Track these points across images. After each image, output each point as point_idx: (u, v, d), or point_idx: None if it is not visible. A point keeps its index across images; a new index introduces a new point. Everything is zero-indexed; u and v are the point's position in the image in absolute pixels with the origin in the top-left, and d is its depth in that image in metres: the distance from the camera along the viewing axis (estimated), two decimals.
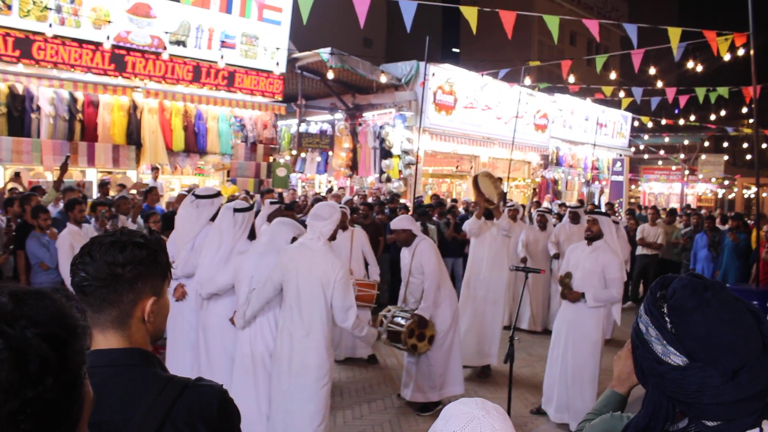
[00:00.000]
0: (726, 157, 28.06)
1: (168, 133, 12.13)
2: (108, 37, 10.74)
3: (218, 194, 4.88)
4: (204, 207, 4.68)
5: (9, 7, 9.74)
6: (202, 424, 1.26)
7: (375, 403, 5.43)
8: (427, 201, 12.39)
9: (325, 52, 12.94)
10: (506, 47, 20.87)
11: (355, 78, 14.18)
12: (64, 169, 7.19)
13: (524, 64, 13.61)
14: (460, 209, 10.91)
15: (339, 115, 15.67)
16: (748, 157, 33.12)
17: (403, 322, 5.01)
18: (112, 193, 9.21)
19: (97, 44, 10.69)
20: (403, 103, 14.40)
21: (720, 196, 31.17)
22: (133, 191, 9.65)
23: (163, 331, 1.48)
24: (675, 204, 24.33)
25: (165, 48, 11.49)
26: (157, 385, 1.27)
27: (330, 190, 14.01)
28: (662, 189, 27.76)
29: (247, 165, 13.49)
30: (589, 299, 4.84)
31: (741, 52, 9.23)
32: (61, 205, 7.10)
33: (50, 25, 10.14)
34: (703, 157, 26.50)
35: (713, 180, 27.60)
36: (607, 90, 13.88)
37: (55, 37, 10.25)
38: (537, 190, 18.68)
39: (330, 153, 15.52)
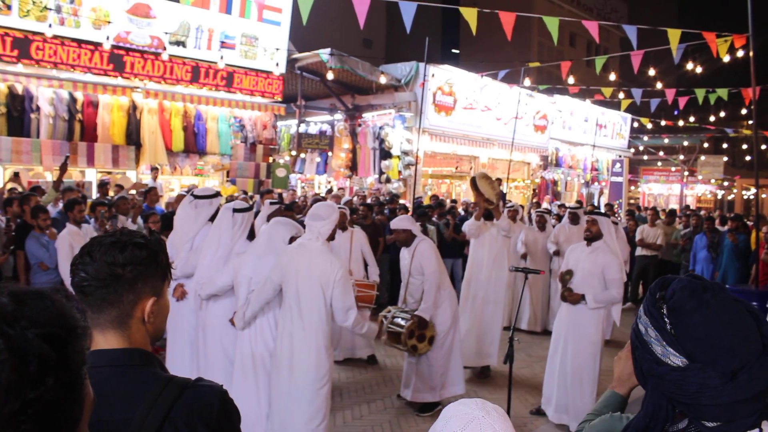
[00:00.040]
0: (725, 159, 28.12)
1: (167, 133, 12.13)
2: (108, 38, 10.74)
3: (217, 194, 4.88)
4: (202, 207, 4.68)
5: (9, 7, 9.74)
6: (202, 424, 1.26)
7: (375, 404, 5.43)
8: (426, 202, 12.39)
9: (324, 53, 12.94)
10: (506, 48, 20.89)
11: (354, 79, 14.18)
12: (63, 169, 7.19)
13: (524, 65, 13.62)
14: (460, 210, 10.92)
15: (338, 116, 15.67)
16: (748, 158, 33.15)
17: (403, 323, 5.01)
18: (110, 193, 9.21)
19: (96, 44, 10.69)
20: (402, 104, 14.41)
21: (719, 197, 31.21)
22: (133, 191, 9.64)
23: (163, 332, 1.48)
24: (674, 205, 24.34)
25: (165, 48, 11.49)
26: (156, 385, 1.27)
27: (329, 190, 14.00)
28: (662, 190, 27.78)
29: (247, 165, 13.49)
30: (590, 301, 4.84)
31: (740, 53, 9.23)
32: (61, 205, 7.10)
33: (50, 26, 10.13)
34: (703, 158, 26.54)
35: (713, 181, 27.64)
36: (607, 91, 13.89)
37: (55, 37, 10.25)
38: (536, 191, 18.69)
39: (329, 154, 15.52)
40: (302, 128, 15.63)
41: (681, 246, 10.25)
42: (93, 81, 10.89)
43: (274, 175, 13.75)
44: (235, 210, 4.35)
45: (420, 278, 5.10)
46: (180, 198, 7.34)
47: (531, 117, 17.68)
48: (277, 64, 13.29)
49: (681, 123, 21.40)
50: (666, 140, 26.79)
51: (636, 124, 23.20)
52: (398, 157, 14.28)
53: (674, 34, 8.35)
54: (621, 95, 15.47)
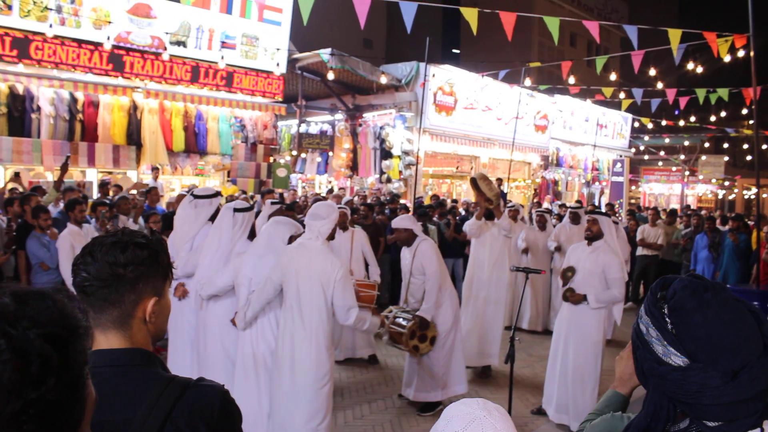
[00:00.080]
0: (726, 158, 28.09)
1: (168, 133, 12.14)
2: (108, 38, 10.75)
3: (216, 194, 4.89)
4: (202, 207, 4.69)
5: (9, 8, 9.75)
6: (203, 424, 1.26)
7: (376, 404, 5.43)
8: (427, 201, 12.39)
9: (325, 53, 12.95)
10: (506, 48, 20.87)
11: (355, 79, 14.18)
12: (64, 169, 7.19)
13: (524, 65, 13.62)
14: (461, 210, 10.92)
15: (339, 116, 15.68)
16: (749, 158, 33.15)
17: (404, 323, 5.00)
18: (110, 193, 9.21)
19: (96, 44, 10.70)
20: (403, 104, 14.41)
21: (720, 197, 31.18)
22: (134, 191, 9.65)
23: (164, 332, 1.48)
24: (675, 205, 24.33)
25: (165, 48, 11.50)
26: (158, 385, 1.27)
27: (330, 190, 14.00)
28: (662, 190, 27.77)
29: (248, 165, 13.50)
30: (592, 301, 4.84)
31: (741, 53, 9.23)
32: (62, 205, 7.10)
33: (50, 26, 10.14)
34: (704, 158, 26.52)
35: (713, 181, 27.62)
36: (608, 91, 13.89)
37: (56, 37, 10.26)
38: (537, 190, 18.68)
39: (330, 153, 15.53)
40: (303, 128, 15.64)
41: (682, 246, 10.25)
42: (94, 81, 10.90)
43: (275, 175, 13.75)
44: (236, 210, 4.35)
45: (421, 278, 5.10)
46: (181, 198, 7.34)
47: (532, 117, 17.67)
48: (278, 64, 13.30)
49: (682, 123, 21.39)
50: (667, 140, 26.78)
51: (637, 124, 23.20)
52: (399, 157, 14.28)
53: (675, 34, 8.35)
54: (622, 95, 15.47)
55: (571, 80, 13.72)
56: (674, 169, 27.21)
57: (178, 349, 4.60)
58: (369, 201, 10.57)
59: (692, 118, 21.68)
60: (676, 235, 10.49)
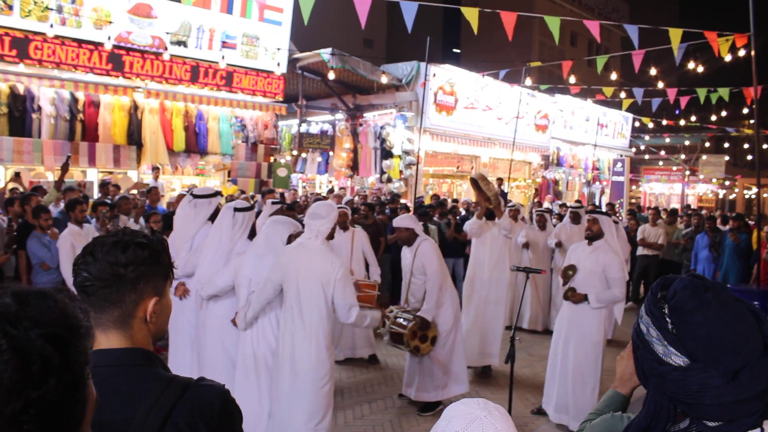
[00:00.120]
0: (727, 158, 28.06)
1: (169, 133, 12.15)
2: (109, 38, 10.75)
3: (216, 194, 4.90)
4: (201, 207, 4.70)
5: (10, 8, 9.76)
6: (204, 424, 1.26)
7: (376, 403, 5.43)
8: (427, 201, 12.39)
9: (325, 53, 12.95)
10: (507, 48, 20.87)
11: (355, 78, 14.18)
12: (65, 169, 7.20)
13: (525, 64, 13.62)
14: (461, 209, 10.91)
15: (340, 116, 15.68)
16: (749, 157, 33.13)
17: (405, 323, 5.00)
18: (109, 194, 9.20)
19: (96, 44, 10.70)
20: (403, 104, 14.41)
21: (721, 196, 31.17)
22: (134, 191, 9.65)
23: (165, 331, 1.48)
24: (676, 204, 24.32)
25: (166, 48, 11.50)
26: (158, 385, 1.27)
27: (331, 190, 14.01)
28: (663, 189, 27.76)
29: (248, 165, 13.50)
30: (592, 300, 4.84)
31: (742, 52, 9.22)
32: (62, 205, 7.10)
33: (51, 26, 10.15)
34: (704, 157, 26.51)
35: (714, 180, 27.60)
36: (608, 91, 13.89)
37: (56, 37, 10.27)
38: (538, 190, 18.68)
39: (331, 153, 15.53)
40: (303, 128, 15.64)
41: (682, 245, 10.24)
42: (94, 81, 10.91)
43: (276, 174, 13.75)
44: (236, 209, 4.35)
45: (422, 278, 5.11)
46: (181, 198, 7.34)
47: (532, 116, 17.67)
48: (279, 64, 13.30)
49: (682, 122, 21.38)
50: (667, 140, 26.77)
51: (637, 124, 23.20)
52: (399, 156, 14.28)
53: (675, 34, 8.34)
54: (622, 95, 15.46)
55: (572, 80, 13.72)
56: (675, 168, 27.20)
57: (179, 348, 4.61)
58: (369, 201, 10.57)
59: (693, 118, 21.66)
60: (676, 235, 10.49)
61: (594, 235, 4.98)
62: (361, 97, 15.36)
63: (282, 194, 11.10)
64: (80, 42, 10.56)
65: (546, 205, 14.65)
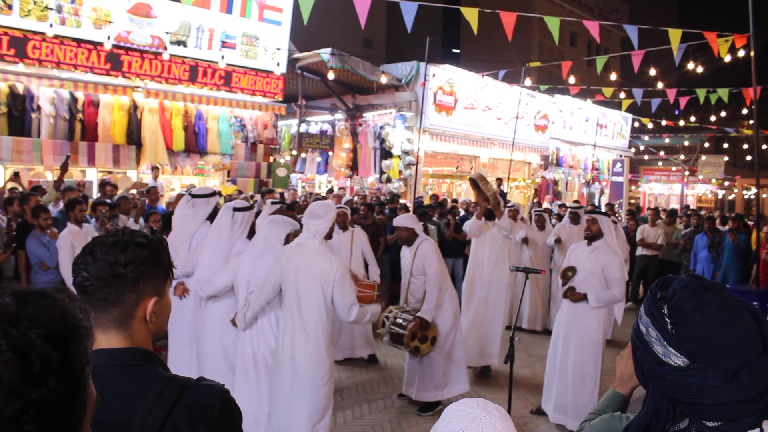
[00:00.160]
0: (726, 158, 28.08)
1: (168, 133, 12.14)
2: (108, 37, 10.74)
3: (214, 193, 4.91)
4: (200, 206, 4.71)
5: (10, 7, 9.75)
6: (204, 423, 1.26)
7: (375, 403, 5.43)
8: (426, 201, 12.39)
9: (325, 53, 12.95)
10: (506, 48, 20.88)
11: (355, 78, 14.18)
12: (64, 168, 7.19)
13: (524, 65, 13.62)
14: (460, 210, 10.91)
15: (339, 116, 15.68)
16: (749, 158, 33.16)
17: (405, 323, 5.00)
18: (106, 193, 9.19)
19: (95, 44, 10.69)
20: (403, 104, 14.41)
21: (720, 197, 31.17)
22: (133, 191, 9.65)
23: (164, 331, 1.48)
24: (675, 205, 24.32)
25: (165, 48, 11.50)
26: (158, 384, 1.27)
27: (330, 190, 14.01)
28: (662, 190, 27.76)
29: (248, 165, 13.50)
30: (592, 300, 4.84)
31: (741, 53, 9.23)
32: (62, 204, 7.10)
33: (51, 25, 10.14)
34: (704, 158, 26.51)
35: (713, 181, 27.61)
36: (608, 91, 13.89)
37: (56, 36, 10.26)
38: (537, 190, 18.69)
39: (330, 153, 15.53)
40: (303, 128, 15.63)
41: (682, 246, 10.25)
42: (94, 81, 10.90)
43: (275, 174, 13.75)
44: (236, 209, 4.36)
45: (422, 278, 5.11)
46: (180, 198, 7.35)
47: (532, 117, 17.67)
48: (278, 64, 13.29)
49: (682, 123, 21.40)
50: (667, 140, 26.77)
51: (637, 124, 23.21)
52: (399, 156, 14.28)
53: (675, 34, 8.35)
54: (622, 95, 15.48)
55: (572, 80, 13.73)
56: (674, 169, 27.21)
57: (178, 348, 4.61)
58: (369, 201, 10.57)
59: (692, 118, 21.70)
60: (675, 235, 10.49)
61: (593, 236, 4.99)
62: (361, 97, 15.36)
63: (282, 194, 11.09)
64: (79, 41, 10.56)
65: (545, 205, 14.66)
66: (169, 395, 1.25)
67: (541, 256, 8.32)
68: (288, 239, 4.07)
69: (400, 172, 14.26)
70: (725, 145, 29.91)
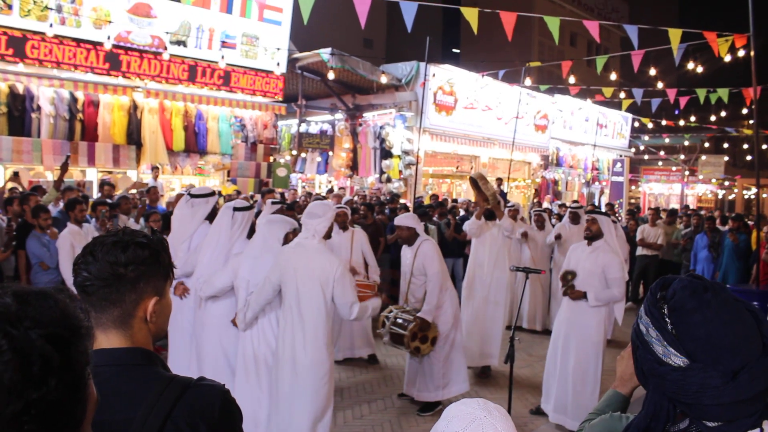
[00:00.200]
0: (726, 158, 28.07)
1: (168, 133, 12.14)
2: (108, 37, 10.74)
3: (213, 193, 4.92)
4: (199, 206, 4.72)
5: (10, 7, 9.75)
6: (204, 423, 1.26)
7: (375, 403, 5.43)
8: (426, 201, 12.39)
9: (325, 53, 12.95)
10: (506, 48, 20.88)
11: (355, 78, 14.18)
12: (64, 168, 7.19)
13: (524, 64, 13.63)
14: (460, 210, 10.91)
15: (339, 116, 15.68)
16: (749, 158, 33.16)
17: (405, 324, 5.00)
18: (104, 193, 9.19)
19: (94, 43, 10.69)
20: (403, 104, 14.41)
21: (720, 196, 31.17)
22: (133, 191, 9.65)
23: (165, 331, 1.48)
24: (675, 205, 24.32)
25: (165, 48, 11.50)
26: (158, 384, 1.27)
27: (330, 190, 14.01)
28: (662, 190, 27.75)
29: (248, 165, 13.50)
30: (591, 298, 4.84)
31: (741, 53, 9.23)
32: (62, 204, 7.10)
33: (51, 25, 10.14)
34: (704, 157, 26.51)
35: (713, 181, 27.61)
36: (608, 91, 13.90)
37: (55, 36, 10.26)
38: (537, 190, 18.69)
39: (330, 153, 15.53)
40: (303, 128, 15.63)
41: (682, 246, 10.25)
42: (94, 80, 10.89)
43: (275, 174, 13.75)
44: (236, 209, 4.36)
45: (422, 278, 5.11)
46: (180, 198, 7.35)
47: (532, 117, 17.67)
48: (278, 64, 13.29)
49: (682, 123, 21.40)
50: (667, 140, 26.77)
51: (637, 124, 23.21)
52: (399, 156, 14.28)
53: (675, 34, 8.35)
54: (622, 95, 15.48)
55: (572, 80, 13.74)
56: (674, 168, 27.21)
57: (178, 348, 4.61)
58: (369, 201, 10.57)
59: (692, 118, 21.69)
60: (675, 235, 10.49)
61: (593, 235, 4.98)
62: (361, 97, 15.36)
63: (282, 194, 11.09)
64: (78, 41, 10.55)
65: (545, 205, 14.66)
66: (169, 395, 1.25)
67: (540, 256, 8.32)
68: (287, 238, 4.07)
69: (400, 172, 14.26)
70: (725, 145, 29.91)
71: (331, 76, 13.26)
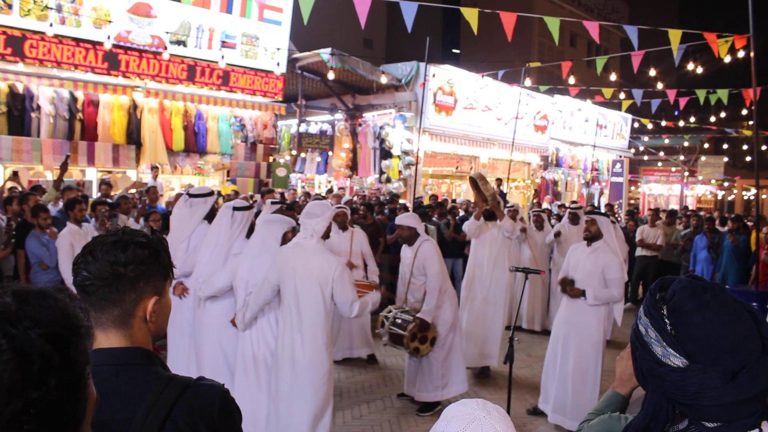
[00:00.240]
0: (726, 159, 28.09)
1: (168, 132, 12.14)
2: (108, 37, 10.74)
3: (212, 193, 4.93)
4: (197, 206, 4.72)
5: (10, 6, 9.75)
6: (204, 423, 1.26)
7: (374, 404, 5.43)
8: (426, 201, 12.39)
9: (325, 53, 12.95)
10: (506, 48, 20.89)
11: (355, 78, 14.18)
12: (64, 168, 7.19)
13: (524, 65, 13.63)
14: (460, 210, 10.92)
15: (339, 116, 15.68)
16: (748, 158, 33.19)
17: (404, 324, 5.00)
18: (111, 193, 9.20)
19: (93, 43, 10.69)
20: (403, 104, 14.41)
21: (720, 197, 31.18)
22: (133, 190, 9.66)
23: (164, 331, 1.48)
24: (675, 205, 24.32)
25: (165, 48, 11.50)
26: (158, 384, 1.27)
27: (330, 190, 14.01)
28: (662, 190, 27.75)
29: (247, 165, 13.50)
30: (589, 297, 4.84)
31: (741, 53, 9.23)
32: (61, 204, 7.10)
33: (51, 25, 10.14)
34: (703, 158, 26.53)
35: (713, 181, 27.62)
36: (608, 92, 13.90)
37: (54, 36, 10.25)
38: (537, 191, 18.69)
39: (330, 153, 15.53)
40: (303, 128, 15.63)
41: (681, 246, 10.25)
42: (93, 80, 10.90)
43: (275, 174, 13.76)
44: (235, 208, 4.36)
45: (422, 278, 5.11)
46: (179, 197, 7.35)
47: (531, 117, 17.68)
48: (278, 64, 13.29)
49: (681, 123, 21.41)
50: (666, 141, 26.79)
51: (636, 125, 23.23)
52: (398, 156, 14.28)
53: (675, 35, 8.35)
54: (621, 95, 15.49)
55: (571, 80, 13.74)
56: (674, 169, 27.21)
57: (178, 348, 4.61)
58: (368, 201, 10.57)
59: (692, 119, 21.73)
60: (675, 236, 10.49)
61: (593, 236, 4.99)
62: (361, 97, 15.36)
63: (282, 194, 11.09)
64: (78, 41, 10.55)
65: (545, 205, 14.66)
66: (169, 395, 1.25)
67: (540, 256, 8.32)
68: (286, 237, 4.07)
69: (400, 172, 14.27)
70: (725, 146, 29.93)
71: (331, 76, 13.26)
